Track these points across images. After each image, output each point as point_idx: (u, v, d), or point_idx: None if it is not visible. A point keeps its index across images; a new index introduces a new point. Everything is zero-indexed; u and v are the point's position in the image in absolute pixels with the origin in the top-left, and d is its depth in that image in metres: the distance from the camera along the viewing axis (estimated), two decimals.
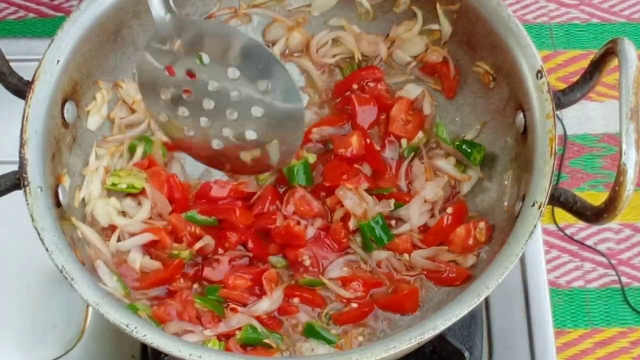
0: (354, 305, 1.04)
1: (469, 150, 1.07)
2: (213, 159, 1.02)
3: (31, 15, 1.47)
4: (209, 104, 0.95)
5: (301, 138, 0.96)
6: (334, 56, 1.18)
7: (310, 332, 1.01)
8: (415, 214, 1.07)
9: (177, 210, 1.07)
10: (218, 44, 0.91)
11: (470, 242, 1.02)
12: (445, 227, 1.05)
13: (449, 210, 1.06)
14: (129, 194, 1.07)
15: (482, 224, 1.03)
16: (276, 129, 0.94)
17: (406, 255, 1.06)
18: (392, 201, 1.07)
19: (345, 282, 1.05)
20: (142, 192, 1.07)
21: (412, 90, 1.14)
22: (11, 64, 0.98)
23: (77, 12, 1.00)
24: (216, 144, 0.98)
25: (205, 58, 0.92)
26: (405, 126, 1.12)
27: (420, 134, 1.12)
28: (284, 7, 1.17)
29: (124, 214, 1.07)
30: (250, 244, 1.07)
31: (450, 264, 1.03)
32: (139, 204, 1.07)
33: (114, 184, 1.06)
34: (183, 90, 0.95)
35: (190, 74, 0.94)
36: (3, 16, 1.47)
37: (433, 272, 1.04)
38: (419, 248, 1.06)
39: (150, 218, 1.06)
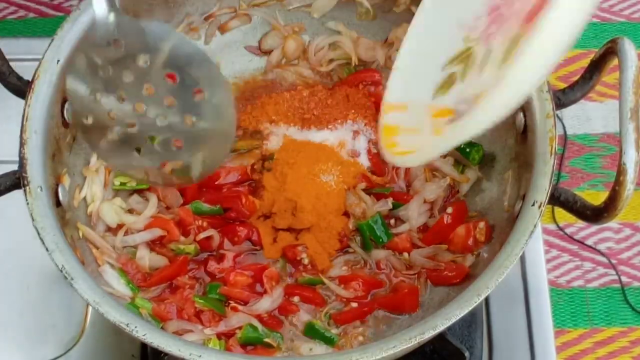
0: (354, 304, 1.04)
1: (467, 150, 1.07)
2: (131, 167, 0.94)
3: (31, 14, 1.47)
4: (140, 109, 0.90)
5: (227, 155, 0.93)
6: (331, 61, 1.18)
7: (311, 331, 1.01)
8: (414, 214, 1.07)
9: (189, 199, 1.07)
10: (158, 46, 0.87)
11: (470, 242, 1.02)
12: (445, 227, 1.05)
13: (449, 210, 1.06)
14: (135, 191, 1.08)
15: (482, 224, 1.03)
16: (204, 142, 0.90)
17: (406, 254, 1.06)
18: (390, 200, 1.07)
19: (345, 281, 1.05)
20: (150, 188, 1.07)
21: None
22: (11, 63, 0.99)
23: (77, 11, 1.00)
24: (140, 152, 0.92)
25: (144, 60, 0.87)
26: None
27: None
28: (284, 7, 1.17)
29: (130, 211, 1.07)
30: (254, 236, 1.07)
31: (450, 262, 1.03)
32: (147, 199, 1.07)
33: (122, 183, 1.06)
34: (117, 94, 0.89)
35: (126, 75, 0.89)
36: (3, 16, 1.46)
37: (432, 271, 1.04)
38: (419, 247, 1.06)
39: (158, 212, 1.06)
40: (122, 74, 0.88)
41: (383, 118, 0.92)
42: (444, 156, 1.10)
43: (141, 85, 0.89)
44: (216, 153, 0.91)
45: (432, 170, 1.10)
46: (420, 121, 0.88)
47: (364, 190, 1.08)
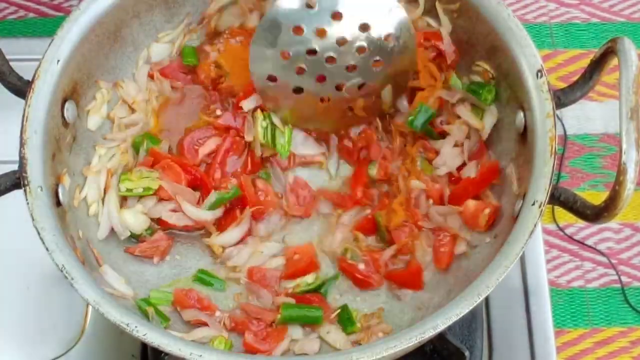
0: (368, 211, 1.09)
1: (479, 91, 1.05)
2: (308, 118, 1.09)
3: (31, 14, 1.47)
4: (331, 61, 1.03)
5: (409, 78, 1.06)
6: None
7: (344, 314, 1.03)
8: (449, 158, 1.08)
9: (206, 193, 1.08)
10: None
11: (476, 221, 1.02)
12: (474, 184, 1.05)
13: (479, 166, 1.06)
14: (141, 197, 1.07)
15: (487, 210, 1.01)
16: (391, 75, 1.04)
17: (430, 202, 1.07)
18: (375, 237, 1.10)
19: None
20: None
21: None
22: (11, 63, 0.99)
23: (77, 11, 1.00)
24: (325, 101, 1.06)
25: (339, 12, 0.99)
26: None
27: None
28: None
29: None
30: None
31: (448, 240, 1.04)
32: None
33: (129, 190, 1.05)
34: (307, 48, 1.02)
35: (320, 31, 1.00)
36: (3, 16, 1.47)
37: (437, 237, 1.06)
38: (442, 203, 1.06)
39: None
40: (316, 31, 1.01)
41: None
42: (463, 100, 1.09)
43: (334, 39, 1.01)
44: (402, 80, 1.06)
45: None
46: None
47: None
